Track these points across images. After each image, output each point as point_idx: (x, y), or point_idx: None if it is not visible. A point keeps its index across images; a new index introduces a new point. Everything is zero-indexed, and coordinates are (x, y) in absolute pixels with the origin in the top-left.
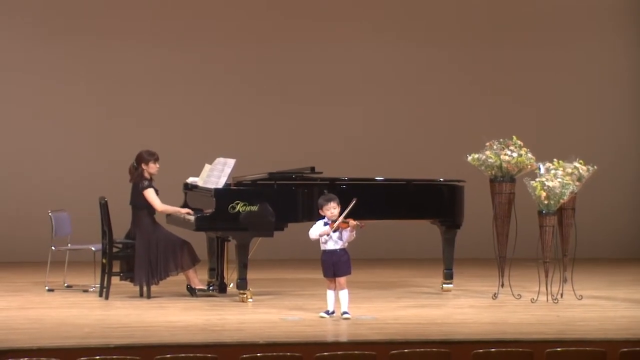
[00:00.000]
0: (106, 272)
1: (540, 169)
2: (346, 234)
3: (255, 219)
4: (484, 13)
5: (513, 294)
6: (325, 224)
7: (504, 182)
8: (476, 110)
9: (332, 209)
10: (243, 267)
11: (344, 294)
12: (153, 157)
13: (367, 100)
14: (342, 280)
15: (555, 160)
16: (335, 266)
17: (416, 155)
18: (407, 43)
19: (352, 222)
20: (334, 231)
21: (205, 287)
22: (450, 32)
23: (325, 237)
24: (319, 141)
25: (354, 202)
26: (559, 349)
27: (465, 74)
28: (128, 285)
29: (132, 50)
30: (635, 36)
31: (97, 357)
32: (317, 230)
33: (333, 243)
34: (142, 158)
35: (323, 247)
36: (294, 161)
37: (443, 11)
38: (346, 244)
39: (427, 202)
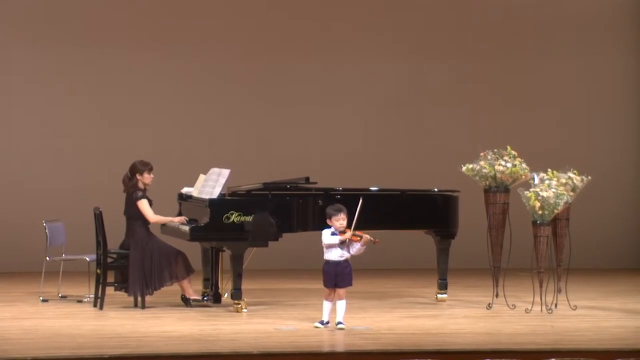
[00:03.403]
0: (100, 283)
1: (534, 179)
2: (356, 246)
3: (249, 229)
4: (480, 23)
5: (507, 304)
6: (333, 234)
7: (498, 192)
8: (472, 120)
9: (341, 220)
10: (237, 277)
11: (341, 304)
12: (147, 167)
13: (364, 111)
14: (341, 291)
15: (549, 170)
16: (337, 277)
17: (411, 165)
18: (405, 53)
19: (365, 236)
20: (342, 243)
21: (199, 298)
22: (447, 41)
23: (330, 248)
24: (315, 151)
25: (360, 202)
26: None
27: (462, 83)
28: (122, 296)
29: (128, 59)
30: (633, 46)
31: None
32: (330, 238)
33: (338, 254)
34: (136, 168)
35: (327, 257)
36: (289, 171)
37: (441, 21)
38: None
39: (422, 212)
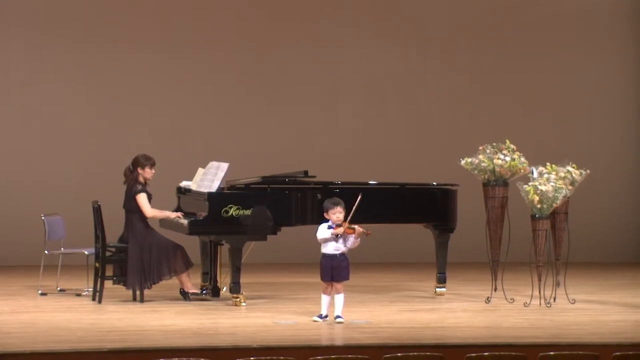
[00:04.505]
0: (99, 276)
1: (533, 173)
2: (351, 239)
3: (248, 223)
4: (478, 18)
5: (506, 298)
6: (329, 227)
7: (497, 186)
8: (470, 114)
9: (337, 213)
10: (236, 271)
11: (339, 297)
12: (149, 162)
13: (363, 105)
14: (339, 285)
15: (548, 164)
16: (334, 271)
17: (410, 160)
18: (402, 47)
19: (358, 229)
20: (337, 236)
21: (198, 291)
22: (445, 37)
23: (326, 242)
24: (314, 145)
25: (359, 197)
26: (552, 353)
27: (461, 77)
28: (121, 289)
29: (126, 55)
30: (632, 43)
31: None
32: (324, 232)
33: (333, 248)
34: (139, 162)
35: (323, 250)
36: (288, 165)
37: (440, 18)
38: (346, 250)
39: (421, 206)
